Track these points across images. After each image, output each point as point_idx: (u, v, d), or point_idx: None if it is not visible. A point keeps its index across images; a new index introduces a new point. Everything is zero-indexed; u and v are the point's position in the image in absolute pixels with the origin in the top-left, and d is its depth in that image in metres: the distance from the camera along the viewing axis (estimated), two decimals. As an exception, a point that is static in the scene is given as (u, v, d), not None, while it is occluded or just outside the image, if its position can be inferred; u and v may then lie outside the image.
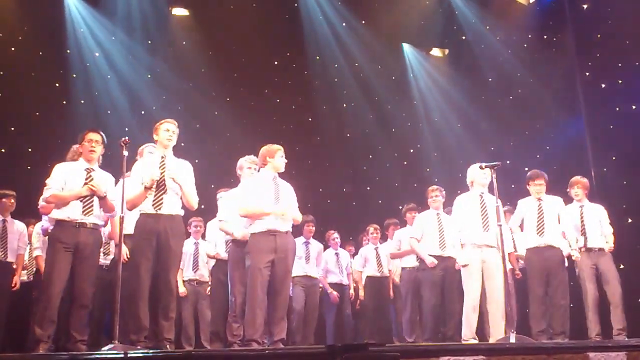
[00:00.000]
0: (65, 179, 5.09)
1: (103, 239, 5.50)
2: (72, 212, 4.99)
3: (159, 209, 5.04)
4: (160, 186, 5.08)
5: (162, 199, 5.07)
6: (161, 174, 5.10)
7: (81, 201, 5.03)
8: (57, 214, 5.03)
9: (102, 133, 5.28)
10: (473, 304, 5.85)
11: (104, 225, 5.55)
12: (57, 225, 5.05)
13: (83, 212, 5.03)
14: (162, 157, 5.20)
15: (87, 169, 5.16)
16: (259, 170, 5.66)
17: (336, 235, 8.40)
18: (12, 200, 6.87)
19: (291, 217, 5.39)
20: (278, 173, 5.49)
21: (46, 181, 5.18)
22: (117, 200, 5.08)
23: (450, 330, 6.68)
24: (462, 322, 5.90)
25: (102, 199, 5.09)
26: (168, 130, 5.23)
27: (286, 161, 5.48)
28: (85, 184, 5.06)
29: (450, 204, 6.66)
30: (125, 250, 5.38)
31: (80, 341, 4.87)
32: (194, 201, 5.24)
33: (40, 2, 10.01)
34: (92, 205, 5.08)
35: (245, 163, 6.02)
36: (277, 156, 5.45)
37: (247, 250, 5.32)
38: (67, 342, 4.92)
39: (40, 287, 5.40)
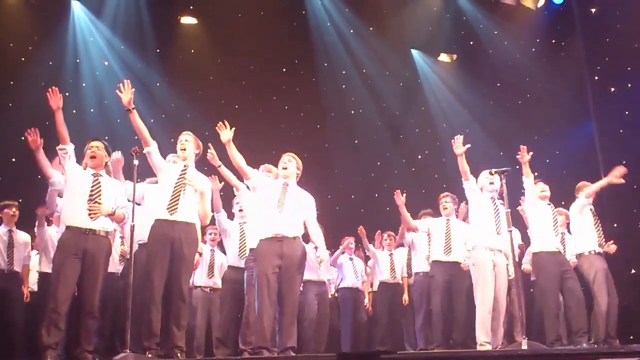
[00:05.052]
0: (73, 179, 5.08)
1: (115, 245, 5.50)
2: (80, 219, 4.96)
3: (174, 213, 5.07)
4: (177, 191, 5.13)
5: (177, 203, 5.10)
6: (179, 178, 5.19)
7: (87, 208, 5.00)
8: (66, 219, 5.01)
9: (104, 142, 5.29)
10: (489, 307, 5.77)
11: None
12: (66, 231, 4.99)
13: (89, 217, 4.98)
14: (185, 166, 5.30)
15: (94, 174, 5.14)
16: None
17: (351, 240, 8.37)
18: (14, 210, 6.80)
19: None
20: (298, 183, 5.50)
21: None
22: (126, 208, 5.16)
23: (460, 336, 6.62)
24: (477, 326, 5.79)
25: (110, 216, 5.09)
26: (180, 140, 5.37)
27: (285, 166, 5.43)
28: (91, 200, 5.02)
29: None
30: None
31: (86, 351, 4.84)
32: (209, 214, 5.39)
33: (49, 12, 10.08)
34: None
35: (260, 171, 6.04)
36: (279, 164, 5.51)
37: (254, 256, 5.33)
38: (75, 351, 4.89)
39: (47, 294, 5.37)
